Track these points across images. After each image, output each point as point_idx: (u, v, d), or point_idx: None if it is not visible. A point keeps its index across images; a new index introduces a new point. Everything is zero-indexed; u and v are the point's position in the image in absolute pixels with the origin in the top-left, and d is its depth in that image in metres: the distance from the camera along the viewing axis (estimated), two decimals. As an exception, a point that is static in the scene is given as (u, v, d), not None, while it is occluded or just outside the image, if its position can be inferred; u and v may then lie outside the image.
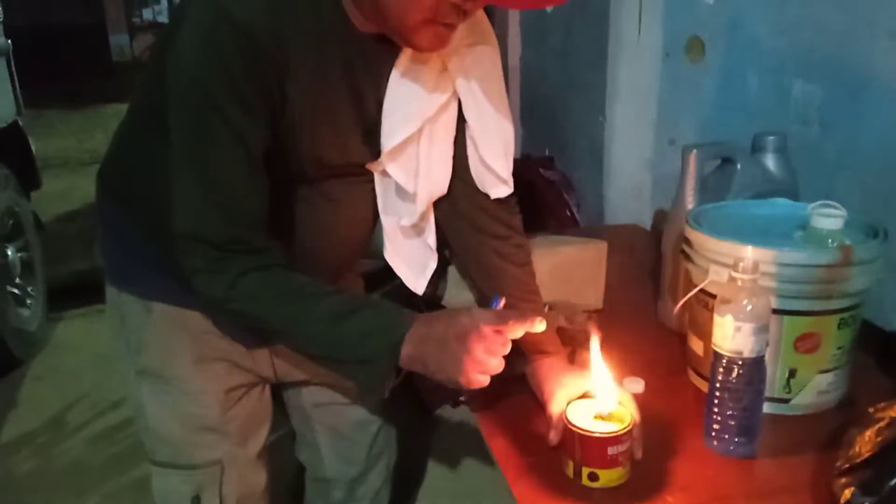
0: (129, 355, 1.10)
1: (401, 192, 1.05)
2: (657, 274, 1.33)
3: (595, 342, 0.93)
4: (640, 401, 1.02)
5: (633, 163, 1.94)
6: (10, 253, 2.76)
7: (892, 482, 0.73)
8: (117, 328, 1.10)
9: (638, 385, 1.07)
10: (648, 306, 1.34)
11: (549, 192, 2.34)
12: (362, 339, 0.89)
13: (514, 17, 2.64)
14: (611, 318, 1.28)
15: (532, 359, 1.08)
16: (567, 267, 1.32)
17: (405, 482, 2.03)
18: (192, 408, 1.10)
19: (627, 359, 1.06)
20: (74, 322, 3.15)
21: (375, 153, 0.99)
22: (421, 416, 2.33)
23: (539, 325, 0.87)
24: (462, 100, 1.02)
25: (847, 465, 0.78)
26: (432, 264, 1.12)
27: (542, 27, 2.48)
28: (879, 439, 0.77)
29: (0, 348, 2.57)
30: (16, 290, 2.79)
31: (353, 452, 1.37)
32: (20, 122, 2.95)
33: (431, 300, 1.35)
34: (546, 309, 1.32)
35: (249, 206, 0.91)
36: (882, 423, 0.78)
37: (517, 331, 0.86)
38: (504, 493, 0.90)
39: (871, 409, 0.82)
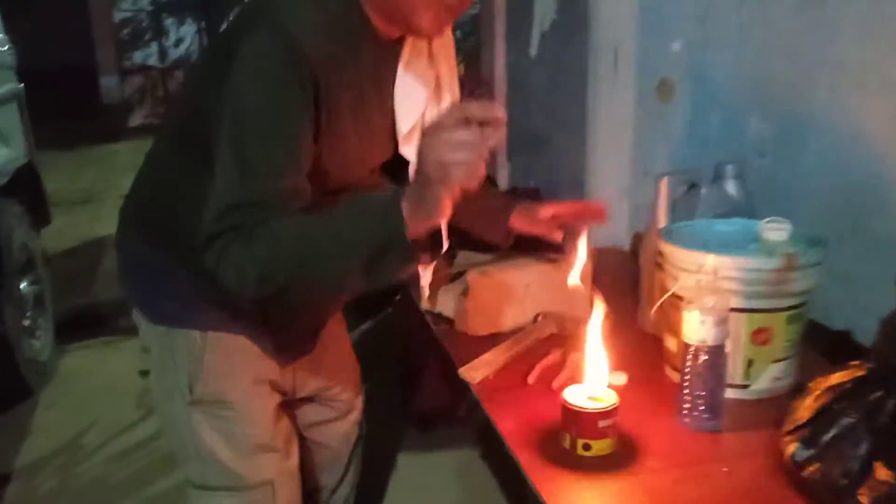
0: (180, 388, 1.20)
1: None
2: (636, 288, 1.51)
3: (594, 330, 1.11)
4: (624, 391, 1.20)
5: (611, 192, 2.13)
6: (23, 286, 2.89)
7: (826, 437, 0.92)
8: (166, 364, 1.22)
9: (621, 377, 1.25)
10: (629, 315, 1.51)
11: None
12: (368, 226, 0.98)
13: (500, 61, 2.86)
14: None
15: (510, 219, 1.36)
16: (557, 282, 1.50)
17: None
18: (248, 428, 1.23)
19: (612, 357, 1.24)
20: (79, 353, 3.26)
21: (395, 145, 1.19)
22: (418, 433, 2.48)
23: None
24: (442, 92, 1.23)
25: (792, 428, 0.96)
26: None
27: (526, 68, 2.69)
28: (816, 405, 0.95)
29: (15, 377, 2.68)
30: (27, 323, 2.91)
31: (336, 462, 1.53)
32: (34, 162, 3.10)
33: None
34: (539, 318, 1.50)
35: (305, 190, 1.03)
36: (818, 392, 0.96)
37: (475, 111, 0.92)
38: None
39: (810, 384, 1.00)
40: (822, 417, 0.94)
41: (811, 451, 0.92)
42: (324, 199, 1.06)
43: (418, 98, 1.18)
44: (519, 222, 1.39)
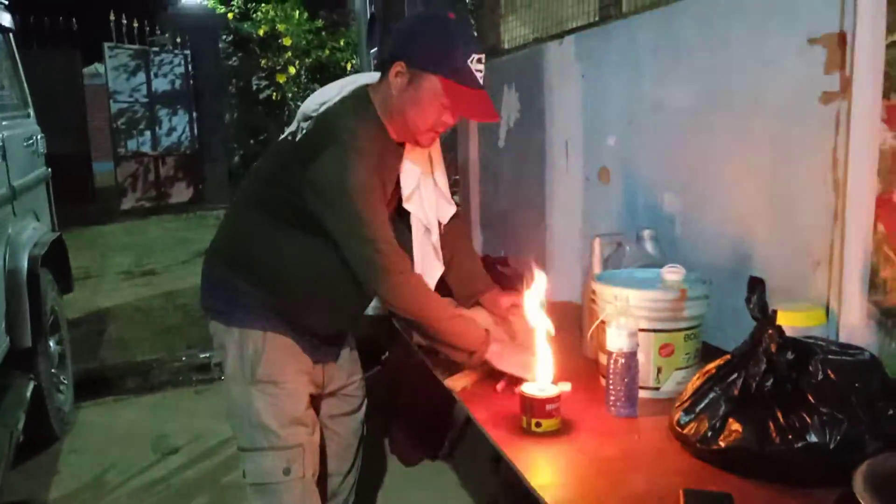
0: (244, 372, 1.70)
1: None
2: (582, 329, 1.94)
3: (544, 343, 1.54)
4: (568, 395, 1.61)
5: (567, 256, 2.60)
6: (52, 344, 3.25)
7: (699, 406, 1.34)
8: (236, 357, 1.71)
9: (567, 386, 1.65)
10: (577, 348, 1.94)
11: (506, 284, 2.97)
12: (467, 343, 1.62)
13: (473, 150, 3.37)
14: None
15: (481, 295, 1.92)
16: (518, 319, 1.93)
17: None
18: (290, 404, 1.70)
19: (562, 373, 1.65)
20: (94, 409, 3.60)
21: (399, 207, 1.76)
22: (402, 466, 2.85)
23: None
24: (433, 168, 1.81)
25: (679, 403, 1.39)
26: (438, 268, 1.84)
27: (495, 156, 3.20)
28: (694, 387, 1.38)
29: (45, 424, 3.02)
30: (54, 378, 3.25)
31: (347, 453, 2.01)
32: (62, 236, 3.50)
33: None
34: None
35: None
36: (696, 378, 1.39)
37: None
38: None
39: (695, 376, 1.43)
40: (698, 393, 1.36)
41: (690, 416, 1.34)
42: None
43: (415, 175, 1.75)
44: (486, 301, 1.95)
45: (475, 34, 1.69)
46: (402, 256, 1.63)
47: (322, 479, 1.91)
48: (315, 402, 1.85)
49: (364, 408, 2.05)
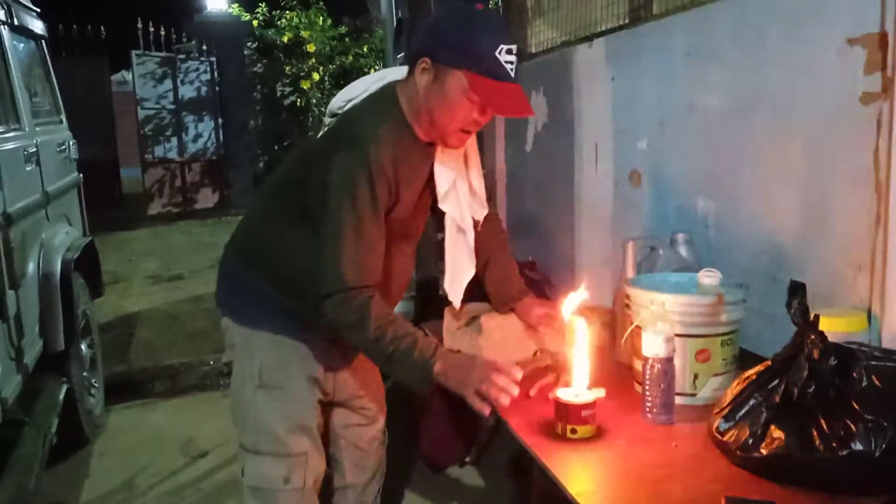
0: (251, 375, 1.67)
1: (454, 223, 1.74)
2: (615, 333, 1.92)
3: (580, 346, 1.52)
4: (603, 401, 1.59)
5: (596, 261, 2.57)
6: (84, 347, 3.28)
7: (740, 413, 1.31)
8: (244, 357, 1.69)
9: (601, 392, 1.63)
10: (608, 352, 1.92)
11: (534, 289, 2.95)
12: (411, 366, 1.48)
13: (500, 154, 3.36)
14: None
15: (515, 302, 1.88)
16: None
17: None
18: (296, 410, 1.67)
19: (595, 379, 1.63)
20: (123, 412, 3.63)
21: (433, 206, 1.70)
22: (430, 472, 2.84)
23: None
24: (467, 166, 1.75)
25: (717, 410, 1.36)
26: (470, 269, 1.78)
27: (522, 160, 3.18)
28: (734, 392, 1.35)
29: (77, 427, 3.04)
30: (85, 381, 3.28)
31: (366, 462, 1.95)
32: (94, 241, 3.54)
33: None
34: (538, 353, 1.91)
35: (376, 266, 1.53)
36: (736, 383, 1.37)
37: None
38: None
39: (735, 380, 1.41)
40: (737, 400, 1.33)
41: (730, 423, 1.32)
42: (395, 247, 1.63)
43: (449, 175, 1.69)
44: (520, 309, 1.91)
45: (504, 25, 1.64)
46: (367, 278, 1.51)
47: (328, 486, 1.89)
48: (326, 410, 1.80)
49: (382, 419, 1.96)
